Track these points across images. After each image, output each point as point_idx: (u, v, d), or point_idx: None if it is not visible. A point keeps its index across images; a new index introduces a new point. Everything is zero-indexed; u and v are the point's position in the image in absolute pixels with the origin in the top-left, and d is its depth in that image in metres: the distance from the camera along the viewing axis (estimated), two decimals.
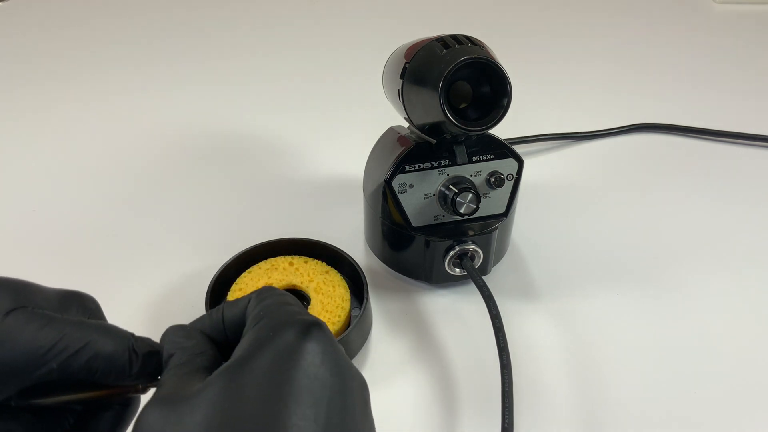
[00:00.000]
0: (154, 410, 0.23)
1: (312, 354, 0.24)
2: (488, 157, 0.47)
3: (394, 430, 0.39)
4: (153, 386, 0.27)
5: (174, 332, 0.27)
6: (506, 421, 0.36)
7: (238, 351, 0.25)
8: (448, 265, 0.47)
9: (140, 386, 0.27)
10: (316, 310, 0.44)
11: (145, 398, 0.26)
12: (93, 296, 0.29)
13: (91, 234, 0.56)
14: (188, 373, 0.25)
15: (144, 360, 0.26)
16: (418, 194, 0.46)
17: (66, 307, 0.27)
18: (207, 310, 0.43)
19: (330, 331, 0.26)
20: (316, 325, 0.25)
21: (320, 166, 0.65)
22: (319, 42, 0.95)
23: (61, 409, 0.27)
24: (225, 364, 0.24)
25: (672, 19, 1.05)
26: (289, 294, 0.28)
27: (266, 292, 0.28)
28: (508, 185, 0.48)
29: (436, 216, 0.47)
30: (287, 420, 0.22)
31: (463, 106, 0.43)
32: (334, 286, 0.46)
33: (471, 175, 0.47)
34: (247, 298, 0.28)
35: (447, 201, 0.45)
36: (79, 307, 0.27)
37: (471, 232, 0.47)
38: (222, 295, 0.46)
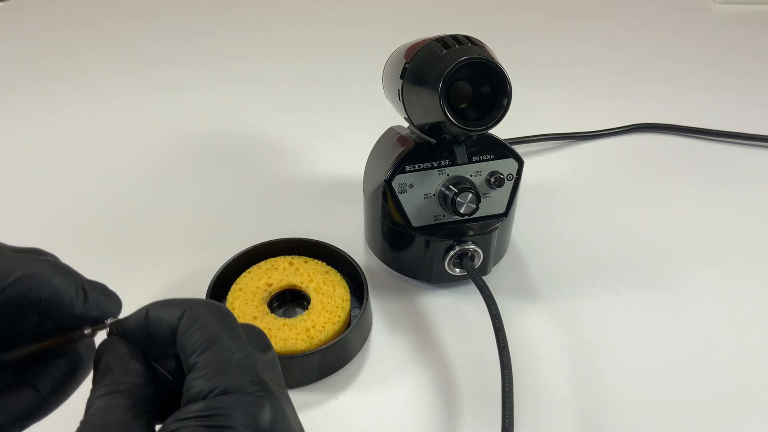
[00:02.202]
0: None
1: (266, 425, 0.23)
2: (488, 157, 0.47)
3: (394, 430, 0.39)
4: (100, 329, 0.26)
5: (120, 346, 0.26)
6: (506, 420, 0.36)
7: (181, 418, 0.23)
8: (448, 265, 0.47)
9: (86, 330, 0.26)
10: (316, 310, 0.44)
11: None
12: (56, 255, 0.28)
13: (92, 234, 0.56)
14: (123, 408, 0.24)
15: (93, 302, 0.25)
16: (418, 194, 0.46)
17: (24, 251, 0.26)
18: None
19: (279, 402, 0.25)
20: (266, 399, 0.24)
21: (320, 166, 0.65)
22: (319, 42, 0.95)
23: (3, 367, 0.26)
24: None
25: (672, 19, 1.05)
26: (225, 309, 0.26)
27: (199, 322, 0.25)
28: (508, 185, 0.48)
29: (436, 216, 0.47)
30: None
31: (463, 106, 0.43)
32: (334, 286, 0.46)
33: (471, 175, 0.47)
34: (176, 311, 0.26)
35: (447, 201, 0.45)
36: (37, 253, 0.27)
37: (471, 232, 0.47)
38: (222, 295, 0.46)
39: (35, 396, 0.26)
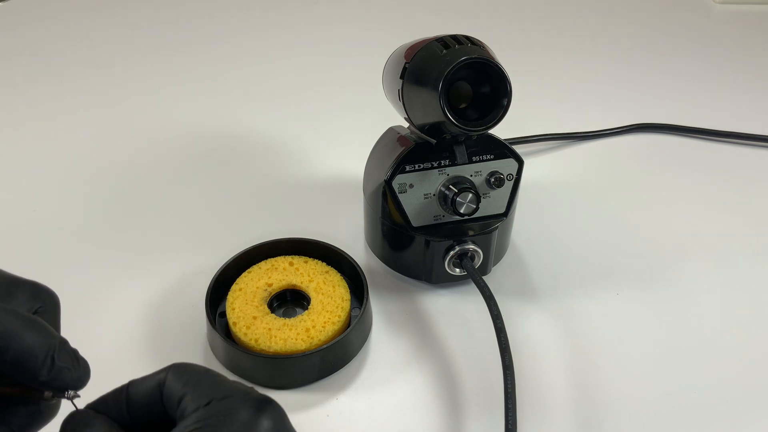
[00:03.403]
0: None
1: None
2: (488, 157, 0.47)
3: (394, 430, 0.39)
4: (60, 398, 0.26)
5: (77, 423, 0.26)
6: (509, 422, 0.36)
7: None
8: (448, 265, 0.47)
9: (47, 394, 0.26)
10: (316, 310, 0.44)
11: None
12: (55, 293, 0.28)
13: (92, 234, 0.56)
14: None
15: (58, 372, 0.25)
16: (418, 194, 0.46)
17: (11, 294, 0.26)
18: (207, 310, 0.43)
19: (281, 407, 0.25)
20: (269, 401, 0.24)
21: (320, 166, 0.65)
22: (319, 42, 0.95)
23: None
24: None
25: (672, 19, 1.05)
26: (210, 369, 0.27)
27: (187, 369, 0.26)
28: (508, 185, 0.48)
29: (436, 216, 0.47)
30: None
31: (463, 106, 0.43)
32: (334, 286, 0.46)
33: (471, 175, 0.47)
34: (158, 376, 0.26)
35: (447, 201, 0.45)
36: (30, 297, 0.27)
37: (471, 232, 0.47)
38: (222, 295, 0.46)
39: None
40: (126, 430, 0.26)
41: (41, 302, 0.27)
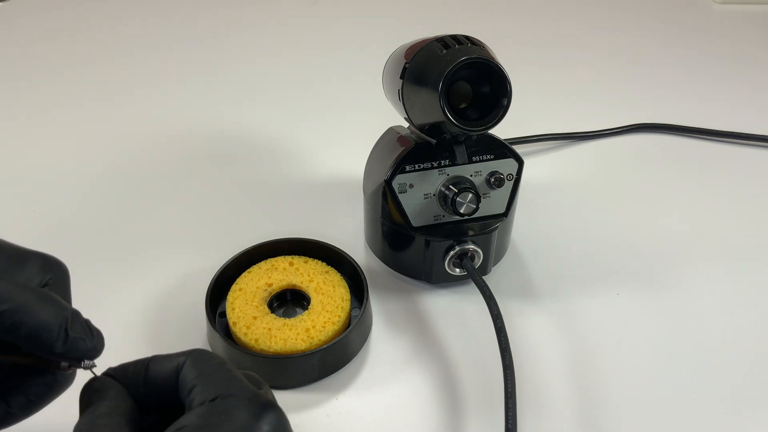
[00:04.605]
0: None
1: None
2: (488, 157, 0.47)
3: (394, 430, 0.39)
4: (77, 367, 0.27)
5: (112, 394, 0.26)
6: (510, 422, 0.36)
7: (185, 424, 0.24)
8: (448, 265, 0.47)
9: (63, 364, 0.27)
10: (316, 310, 0.44)
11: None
12: (64, 264, 0.28)
13: (92, 234, 0.56)
14: (106, 426, 0.24)
15: (73, 343, 0.26)
16: (418, 194, 0.46)
17: (21, 267, 0.26)
18: (207, 310, 0.43)
19: (283, 413, 0.25)
20: (271, 406, 0.24)
21: (320, 166, 0.65)
22: (319, 41, 0.95)
23: None
24: None
25: (672, 19, 1.05)
26: (228, 362, 0.27)
27: (205, 359, 0.27)
28: (508, 185, 0.48)
29: (436, 216, 0.47)
30: None
31: (463, 106, 0.43)
32: (334, 286, 0.46)
33: (471, 175, 0.47)
34: (179, 359, 0.27)
35: (447, 201, 0.45)
36: (39, 269, 0.27)
37: (471, 232, 0.47)
38: (222, 295, 0.46)
39: (3, 410, 0.27)
40: (137, 403, 0.27)
41: (51, 273, 0.27)
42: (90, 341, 0.26)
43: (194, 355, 0.27)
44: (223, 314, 0.45)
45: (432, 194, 0.46)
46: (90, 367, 0.27)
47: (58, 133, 0.71)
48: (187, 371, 0.26)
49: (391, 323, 0.47)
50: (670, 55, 0.92)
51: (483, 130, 0.41)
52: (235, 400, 0.24)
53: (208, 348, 0.44)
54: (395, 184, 0.46)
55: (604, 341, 0.45)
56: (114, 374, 0.27)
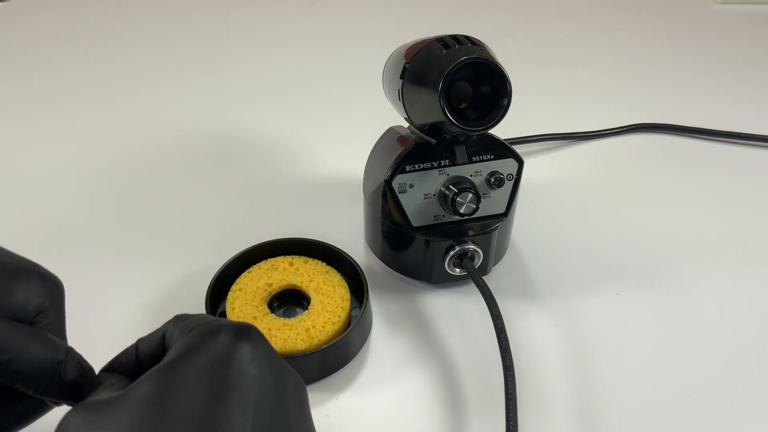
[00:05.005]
0: (75, 415, 0.22)
1: (245, 354, 0.23)
2: (488, 157, 0.47)
3: (394, 430, 0.39)
4: (64, 404, 0.27)
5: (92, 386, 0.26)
6: (510, 423, 0.36)
7: (168, 356, 0.24)
8: (448, 265, 0.47)
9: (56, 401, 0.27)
10: (316, 310, 0.44)
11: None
12: (59, 281, 0.28)
13: (92, 234, 0.56)
14: (113, 386, 0.25)
15: (67, 386, 0.26)
16: (418, 194, 0.46)
17: (12, 291, 0.25)
18: (207, 309, 0.43)
19: (262, 335, 0.25)
20: (248, 327, 0.25)
21: (320, 166, 0.65)
22: (319, 41, 0.95)
23: None
24: (153, 368, 0.23)
25: (672, 19, 1.05)
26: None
27: (183, 316, 0.27)
28: (508, 185, 0.48)
29: (436, 216, 0.47)
30: (220, 419, 0.21)
31: (463, 106, 0.43)
32: (334, 286, 0.46)
33: (471, 175, 0.47)
34: (161, 329, 0.27)
35: (447, 201, 0.45)
36: (38, 290, 0.26)
37: (471, 232, 0.47)
38: (222, 295, 0.46)
39: None
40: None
41: (49, 297, 0.27)
42: (80, 386, 0.26)
43: (175, 317, 0.27)
44: (223, 314, 0.45)
45: (432, 194, 0.46)
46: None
47: (58, 133, 0.71)
48: (170, 329, 0.27)
49: (391, 323, 0.47)
50: (670, 55, 0.92)
51: (483, 130, 0.41)
52: (212, 325, 0.24)
53: None
54: (395, 184, 0.46)
55: (604, 341, 0.45)
56: (110, 368, 0.27)
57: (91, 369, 0.27)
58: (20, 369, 0.24)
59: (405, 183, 0.46)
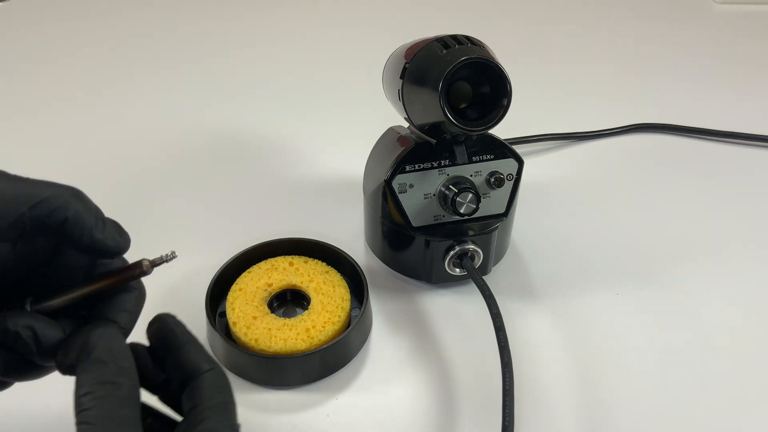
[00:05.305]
0: None
1: None
2: (488, 157, 0.47)
3: (394, 430, 0.39)
4: (158, 264, 0.29)
5: (117, 339, 0.27)
6: (506, 419, 0.36)
7: None
8: (448, 265, 0.47)
9: (144, 265, 0.29)
10: (316, 310, 0.44)
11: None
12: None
13: None
14: (114, 398, 0.25)
15: (110, 230, 0.28)
16: (418, 194, 0.46)
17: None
18: (207, 310, 0.43)
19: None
20: None
21: (320, 166, 0.65)
22: (319, 41, 0.95)
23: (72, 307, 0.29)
24: None
25: (672, 19, 1.05)
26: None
27: (226, 392, 0.28)
28: (508, 185, 0.48)
29: (436, 216, 0.47)
30: None
31: (463, 106, 0.43)
32: (334, 286, 0.46)
33: (471, 175, 0.47)
34: (206, 363, 0.28)
35: (447, 201, 0.45)
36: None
37: (471, 232, 0.47)
38: (222, 295, 0.46)
39: (120, 329, 0.29)
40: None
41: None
42: (122, 235, 0.29)
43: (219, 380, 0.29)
44: (223, 314, 0.45)
45: (432, 194, 0.46)
46: (171, 259, 0.30)
47: (58, 132, 0.71)
48: (211, 385, 0.28)
49: (391, 323, 0.47)
50: (670, 54, 0.92)
51: (483, 130, 0.41)
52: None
53: (208, 348, 0.44)
54: (395, 184, 0.46)
55: (603, 341, 0.45)
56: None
57: (126, 232, 0.30)
58: (65, 205, 0.27)
59: (405, 183, 0.46)
